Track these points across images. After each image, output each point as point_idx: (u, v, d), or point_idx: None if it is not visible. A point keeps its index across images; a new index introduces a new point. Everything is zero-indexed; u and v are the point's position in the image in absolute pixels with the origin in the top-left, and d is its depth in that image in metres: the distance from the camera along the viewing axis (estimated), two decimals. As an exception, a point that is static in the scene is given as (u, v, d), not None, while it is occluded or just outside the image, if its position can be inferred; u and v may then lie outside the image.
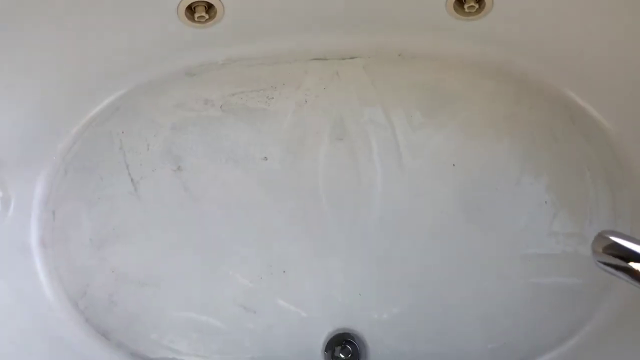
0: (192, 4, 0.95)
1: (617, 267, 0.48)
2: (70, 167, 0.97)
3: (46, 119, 0.96)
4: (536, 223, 0.93)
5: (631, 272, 0.47)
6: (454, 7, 0.97)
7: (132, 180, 0.96)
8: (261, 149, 0.97)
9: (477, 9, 0.96)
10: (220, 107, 1.00)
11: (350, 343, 0.88)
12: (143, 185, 0.96)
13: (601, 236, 0.47)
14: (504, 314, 0.89)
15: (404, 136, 0.98)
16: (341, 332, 0.88)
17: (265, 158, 0.97)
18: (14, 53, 0.87)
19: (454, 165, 0.96)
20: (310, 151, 0.97)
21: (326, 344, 0.88)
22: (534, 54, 0.99)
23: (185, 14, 0.96)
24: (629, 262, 0.47)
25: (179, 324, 0.89)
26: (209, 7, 0.96)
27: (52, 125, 0.97)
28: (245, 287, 0.91)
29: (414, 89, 1.01)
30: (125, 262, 0.92)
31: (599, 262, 0.48)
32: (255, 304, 0.90)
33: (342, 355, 0.87)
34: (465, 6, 0.96)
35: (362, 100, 1.00)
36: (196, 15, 0.96)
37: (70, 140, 0.98)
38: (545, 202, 0.94)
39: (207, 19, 0.97)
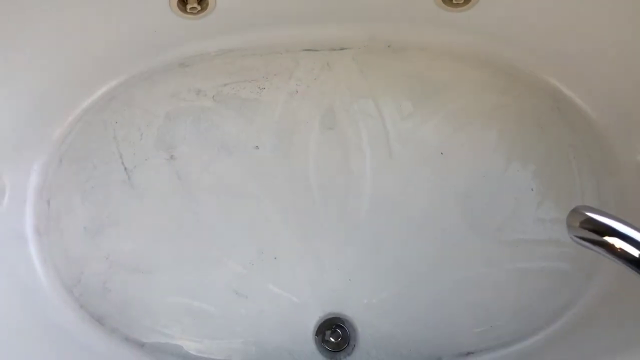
0: (183, -6, 0.96)
1: (592, 242, 0.49)
2: (64, 157, 0.98)
3: (40, 109, 0.97)
4: (523, 210, 0.95)
5: (606, 246, 0.48)
6: (442, -3, 0.98)
7: (125, 169, 0.98)
8: (253, 138, 0.99)
9: (465, 0, 0.98)
10: (213, 97, 1.02)
11: (341, 327, 0.89)
12: (136, 173, 0.97)
13: (576, 211, 0.49)
14: (491, 298, 0.91)
15: (393, 125, 0.99)
16: (331, 316, 0.90)
17: (257, 147, 0.98)
18: (9, 43, 0.88)
19: (442, 153, 0.98)
20: (301, 140, 0.99)
21: (317, 328, 0.89)
22: (521, 44, 1.01)
23: (178, 6, 0.97)
24: (603, 236, 0.48)
25: (172, 309, 0.90)
26: (201, -1, 0.97)
27: (47, 115, 0.98)
28: (237, 273, 0.92)
29: (403, 79, 1.02)
30: (119, 250, 0.93)
31: (575, 236, 0.49)
32: (247, 289, 0.91)
33: (332, 339, 0.88)
34: (453, -3, 0.97)
35: (352, 91, 1.02)
36: (188, 6, 0.97)
37: (65, 130, 0.99)
38: (532, 189, 0.96)
39: (199, 10, 0.98)
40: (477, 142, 0.99)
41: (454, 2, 0.98)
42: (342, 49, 1.04)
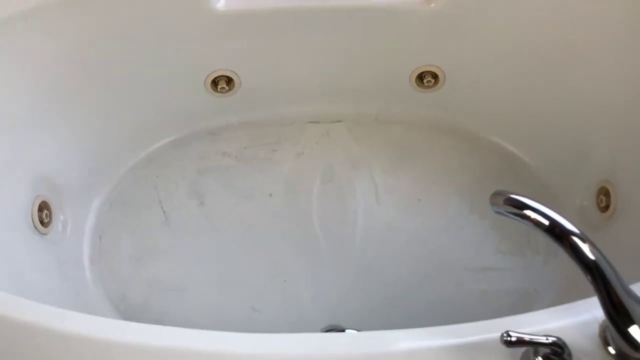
0: (215, 78, 1.24)
1: (514, 214, 0.64)
2: (114, 202, 1.22)
3: (99, 164, 1.22)
4: (485, 244, 1.17)
5: (525, 217, 0.62)
6: (416, 82, 1.27)
7: (163, 212, 1.21)
8: (267, 188, 1.23)
9: (434, 83, 1.26)
10: (235, 157, 1.27)
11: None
12: (172, 216, 1.20)
13: (498, 193, 0.69)
14: (459, 314, 1.10)
15: (379, 179, 1.24)
16: (331, 327, 1.08)
17: (271, 195, 1.23)
18: (84, 112, 1.15)
19: (419, 200, 1.22)
20: (306, 190, 1.23)
21: (319, 336, 1.08)
22: (479, 116, 1.29)
23: (211, 86, 1.26)
24: (523, 210, 0.63)
25: (200, 321, 1.10)
26: (229, 81, 1.26)
27: (103, 169, 1.23)
28: (254, 293, 1.12)
29: (387, 144, 1.29)
30: (157, 274, 1.14)
31: (498, 211, 0.70)
32: (261, 306, 1.11)
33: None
34: (424, 81, 1.26)
35: (347, 153, 1.28)
36: (219, 86, 1.26)
37: (116, 181, 1.24)
38: (492, 228, 1.19)
39: (227, 90, 1.26)
40: (446, 192, 1.23)
41: (425, 84, 1.27)
42: (338, 121, 1.32)
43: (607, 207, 1.08)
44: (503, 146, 1.27)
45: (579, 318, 0.67)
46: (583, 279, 0.57)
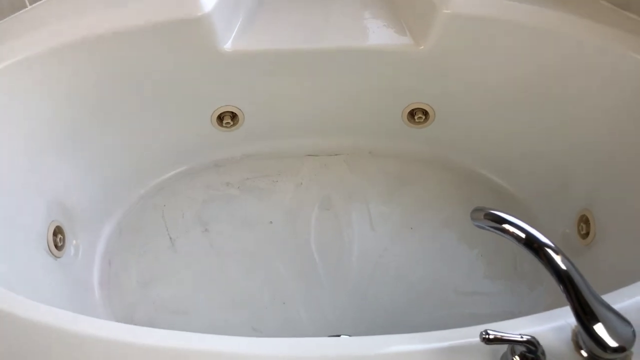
0: (221, 113, 1.34)
1: (494, 227, 0.70)
2: (124, 229, 1.29)
3: (110, 193, 1.29)
4: (475, 269, 1.24)
5: (504, 230, 0.68)
6: (408, 118, 1.36)
7: (170, 238, 1.28)
8: (268, 216, 1.30)
9: (424, 119, 1.36)
10: (238, 187, 1.35)
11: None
12: (178, 242, 1.27)
13: (477, 209, 0.77)
14: (452, 334, 1.16)
15: (374, 208, 1.32)
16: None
17: (271, 222, 1.30)
18: (99, 143, 1.23)
19: (411, 228, 1.29)
20: (304, 218, 1.30)
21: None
22: (467, 150, 1.38)
23: (216, 121, 1.34)
24: (501, 224, 0.69)
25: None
26: (234, 116, 1.35)
27: (113, 198, 1.30)
28: (254, 314, 1.18)
29: (381, 176, 1.37)
30: (162, 297, 1.20)
31: (479, 225, 0.77)
32: (262, 326, 1.17)
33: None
34: (416, 117, 1.35)
35: (344, 184, 1.36)
36: (224, 121, 1.35)
37: (126, 209, 1.31)
38: (481, 255, 1.26)
39: (231, 125, 1.35)
40: (436, 221, 1.30)
41: (416, 120, 1.36)
42: (336, 154, 1.40)
43: (587, 234, 1.16)
44: (490, 178, 1.36)
45: (553, 324, 0.73)
46: (566, 303, 0.63)
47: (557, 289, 0.63)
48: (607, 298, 0.72)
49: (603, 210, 1.13)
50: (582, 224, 1.17)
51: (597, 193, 1.15)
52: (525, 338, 0.66)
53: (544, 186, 1.29)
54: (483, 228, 0.75)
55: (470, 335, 0.72)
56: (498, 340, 0.65)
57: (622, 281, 0.84)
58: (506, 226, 0.70)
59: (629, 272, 1.02)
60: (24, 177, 1.08)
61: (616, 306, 0.72)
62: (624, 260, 1.04)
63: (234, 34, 1.24)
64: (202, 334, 0.73)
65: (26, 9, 1.13)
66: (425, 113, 1.34)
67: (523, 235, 0.69)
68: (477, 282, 1.22)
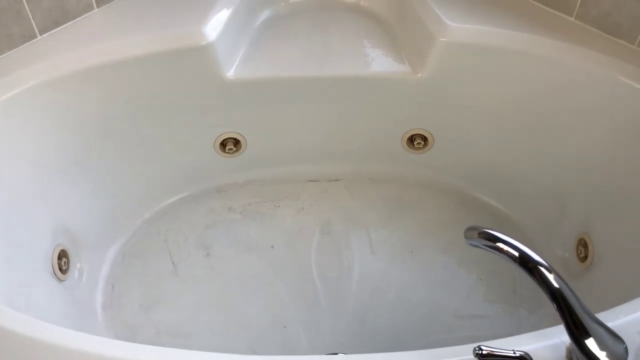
0: (224, 140, 1.36)
1: (488, 246, 0.71)
2: (127, 253, 1.30)
3: (113, 218, 1.32)
4: (474, 293, 1.25)
5: (498, 249, 0.70)
6: (407, 144, 1.39)
7: (173, 262, 1.29)
8: (269, 240, 1.32)
9: (423, 145, 1.38)
10: (240, 212, 1.37)
11: (335, 378, 1.13)
12: (181, 266, 1.29)
13: (471, 228, 0.78)
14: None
15: (374, 232, 1.34)
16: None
17: (272, 246, 1.31)
18: (104, 169, 1.26)
19: (411, 252, 1.31)
20: (305, 242, 1.32)
21: (317, 378, 1.13)
22: (466, 175, 1.40)
23: (219, 147, 1.37)
24: (495, 242, 0.70)
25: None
26: (236, 142, 1.37)
27: (117, 223, 1.33)
28: (255, 337, 1.18)
29: (381, 201, 1.39)
30: (165, 320, 1.21)
31: (473, 244, 0.78)
32: (262, 349, 1.17)
33: (328, 387, 1.12)
34: (415, 143, 1.38)
35: (344, 209, 1.38)
36: (227, 148, 1.37)
37: (129, 234, 1.33)
38: (481, 279, 1.27)
39: (234, 151, 1.38)
40: (437, 245, 1.32)
41: (415, 146, 1.38)
42: (336, 180, 1.43)
43: (585, 257, 1.17)
44: (489, 203, 1.38)
45: (547, 342, 0.74)
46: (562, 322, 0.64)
47: (557, 313, 0.63)
48: (602, 316, 0.73)
49: (601, 233, 1.14)
50: (580, 247, 1.18)
51: (595, 216, 1.17)
52: (518, 354, 0.67)
53: (542, 210, 1.31)
54: (477, 247, 0.76)
55: (464, 353, 0.73)
56: (491, 356, 0.66)
57: (621, 303, 0.84)
58: (500, 245, 0.71)
59: (628, 294, 1.03)
60: (30, 201, 1.11)
61: (610, 324, 0.73)
62: (622, 282, 1.05)
63: (237, 62, 1.28)
64: (200, 352, 0.73)
65: (36, 39, 1.17)
66: (425, 139, 1.37)
67: (517, 254, 0.71)
68: (477, 305, 1.23)
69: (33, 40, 1.17)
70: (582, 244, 1.18)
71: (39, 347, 0.71)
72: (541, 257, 1.19)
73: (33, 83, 1.10)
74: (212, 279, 1.27)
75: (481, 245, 0.75)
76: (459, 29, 1.21)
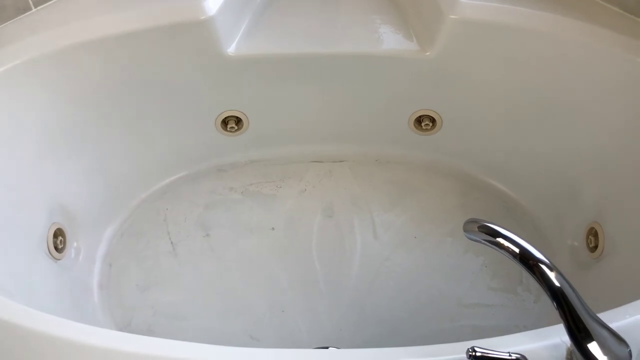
0: (225, 118, 1.33)
1: (487, 241, 0.69)
2: (125, 232, 1.28)
3: (113, 196, 1.29)
4: (478, 281, 1.21)
5: (498, 244, 0.66)
6: (414, 125, 1.34)
7: (171, 243, 1.27)
8: (270, 222, 1.29)
9: (431, 126, 1.33)
10: (241, 192, 1.34)
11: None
12: (179, 247, 1.26)
13: (471, 221, 0.74)
14: (453, 347, 1.13)
15: (378, 216, 1.30)
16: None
17: (273, 229, 1.28)
18: (101, 146, 1.23)
19: (415, 237, 1.27)
20: (306, 225, 1.29)
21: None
22: (475, 158, 1.35)
23: (221, 125, 1.34)
24: (496, 237, 0.67)
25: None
26: (238, 121, 1.34)
27: (116, 201, 1.30)
28: (253, 322, 1.16)
29: (386, 184, 1.35)
30: (162, 302, 1.19)
31: (472, 238, 0.74)
32: (259, 334, 1.15)
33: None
34: (422, 124, 1.33)
35: (348, 191, 1.34)
36: (228, 126, 1.34)
37: (128, 213, 1.31)
38: (485, 266, 1.23)
39: (236, 130, 1.34)
40: (442, 231, 1.28)
41: (423, 128, 1.34)
42: (341, 161, 1.39)
43: (596, 247, 1.12)
44: (498, 188, 1.33)
45: (547, 342, 0.71)
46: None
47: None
48: (606, 316, 0.69)
49: (613, 223, 1.10)
50: (590, 236, 1.14)
51: (608, 205, 1.12)
52: (514, 356, 0.63)
53: (552, 196, 1.26)
54: (476, 241, 0.73)
55: (456, 351, 0.70)
56: (485, 359, 0.62)
57: (631, 297, 0.80)
58: (500, 240, 0.68)
59: (637, 287, 0.99)
60: (26, 179, 1.09)
61: (614, 325, 0.70)
62: (632, 274, 1.00)
63: (238, 37, 1.23)
64: (193, 344, 0.71)
65: (31, 11, 1.14)
66: (433, 120, 1.32)
67: (517, 250, 0.66)
68: (481, 293, 1.20)
69: (27, 13, 1.13)
70: (593, 234, 1.13)
71: (36, 338, 0.69)
72: (550, 245, 1.15)
73: (27, 57, 1.07)
74: (211, 261, 1.24)
75: (481, 240, 0.72)
76: (470, 6, 1.16)
